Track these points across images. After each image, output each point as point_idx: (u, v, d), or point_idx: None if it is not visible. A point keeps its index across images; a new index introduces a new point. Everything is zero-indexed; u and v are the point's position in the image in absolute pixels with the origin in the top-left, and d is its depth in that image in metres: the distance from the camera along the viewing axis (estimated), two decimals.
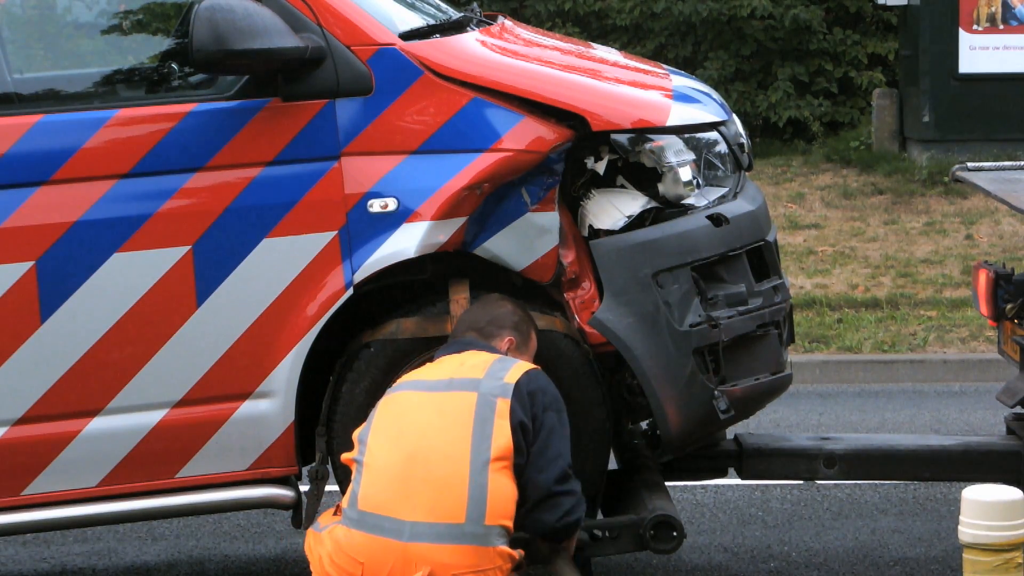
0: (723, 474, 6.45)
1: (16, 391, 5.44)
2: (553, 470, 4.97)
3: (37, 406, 5.46)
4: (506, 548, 4.91)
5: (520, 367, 5.08)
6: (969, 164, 7.38)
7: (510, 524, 4.93)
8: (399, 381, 5.21)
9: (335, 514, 5.11)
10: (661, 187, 5.65)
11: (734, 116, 6.14)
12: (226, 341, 5.46)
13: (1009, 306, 6.64)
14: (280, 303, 5.45)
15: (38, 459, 5.49)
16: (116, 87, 5.85)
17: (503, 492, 4.90)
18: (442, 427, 4.94)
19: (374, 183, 5.46)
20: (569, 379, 5.53)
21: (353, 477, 5.03)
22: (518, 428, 4.94)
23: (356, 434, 5.14)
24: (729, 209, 5.77)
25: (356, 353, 5.60)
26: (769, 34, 16.84)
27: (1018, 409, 6.56)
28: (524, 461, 4.95)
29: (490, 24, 6.20)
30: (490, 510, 4.86)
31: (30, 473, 5.50)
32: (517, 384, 5.00)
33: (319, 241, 5.45)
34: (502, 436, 4.92)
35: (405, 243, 5.42)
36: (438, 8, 6.29)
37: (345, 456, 5.15)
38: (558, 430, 5.02)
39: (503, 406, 4.94)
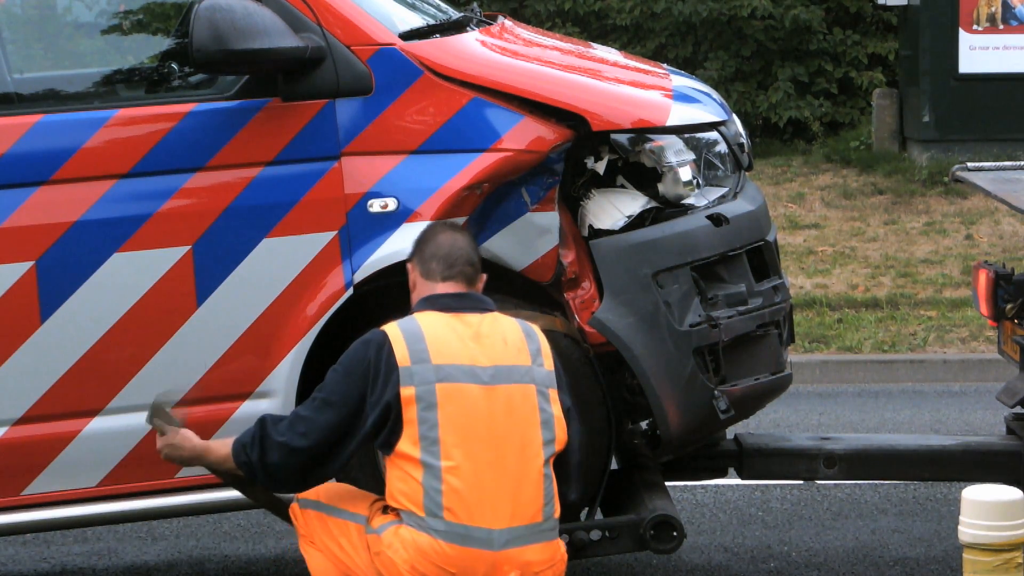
0: (723, 474, 6.45)
1: (16, 391, 5.44)
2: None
3: (37, 406, 5.45)
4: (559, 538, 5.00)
5: (545, 345, 5.02)
6: (969, 164, 7.38)
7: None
8: (442, 360, 4.85)
9: (384, 512, 4.95)
10: (661, 187, 5.64)
11: (734, 116, 6.14)
12: (226, 341, 5.46)
13: (1009, 306, 6.64)
14: (280, 303, 5.44)
15: (38, 459, 5.49)
16: (116, 87, 5.85)
17: (555, 484, 4.97)
18: (514, 429, 4.89)
19: (374, 183, 5.46)
20: (569, 379, 5.52)
21: (420, 479, 4.82)
22: (565, 416, 5.00)
23: (416, 420, 4.83)
24: (729, 209, 5.77)
25: None
26: (769, 34, 16.83)
27: (1018, 409, 6.56)
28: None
29: (490, 24, 6.20)
30: (556, 505, 4.94)
31: (30, 473, 5.50)
32: (556, 371, 5.02)
33: (319, 241, 5.45)
34: (560, 431, 4.95)
35: (405, 243, 5.41)
36: (438, 8, 6.29)
37: (404, 450, 4.84)
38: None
39: (554, 396, 4.96)
